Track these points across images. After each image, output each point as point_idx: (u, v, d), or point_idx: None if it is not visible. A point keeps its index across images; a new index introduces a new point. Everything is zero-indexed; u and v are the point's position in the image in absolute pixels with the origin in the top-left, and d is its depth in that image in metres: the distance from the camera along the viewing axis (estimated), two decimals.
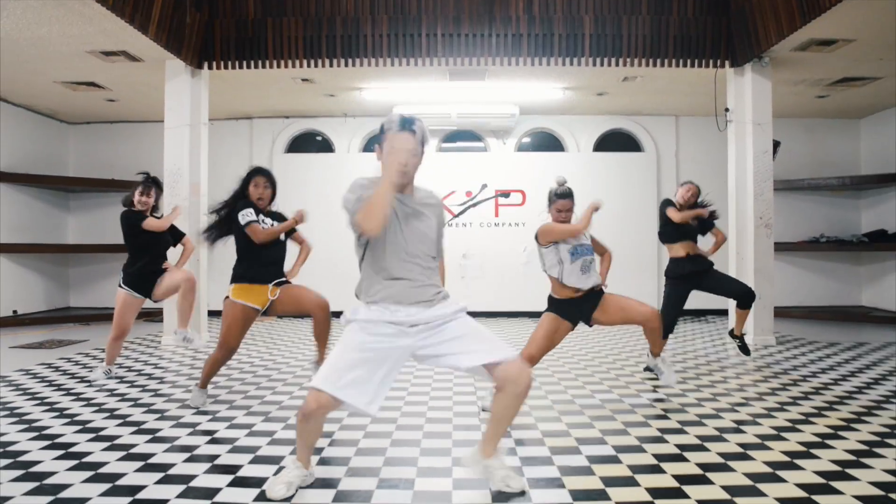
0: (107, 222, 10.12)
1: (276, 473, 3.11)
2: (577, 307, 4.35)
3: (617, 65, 7.29)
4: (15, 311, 8.92)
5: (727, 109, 7.47)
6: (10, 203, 8.91)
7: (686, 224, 5.63)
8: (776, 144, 7.42)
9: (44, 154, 9.64)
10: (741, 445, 3.56)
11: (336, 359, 2.77)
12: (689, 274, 5.65)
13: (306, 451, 2.99)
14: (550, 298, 4.43)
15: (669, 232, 5.73)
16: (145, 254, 5.24)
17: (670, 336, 6.10)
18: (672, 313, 5.72)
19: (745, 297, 5.70)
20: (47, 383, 5.19)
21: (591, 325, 4.46)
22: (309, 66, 7.26)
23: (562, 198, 4.35)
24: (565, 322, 4.37)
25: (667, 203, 5.73)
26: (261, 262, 4.43)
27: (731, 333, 6.07)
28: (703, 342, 7.36)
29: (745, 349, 6.00)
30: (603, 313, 4.40)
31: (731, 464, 3.26)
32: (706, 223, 5.75)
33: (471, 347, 2.83)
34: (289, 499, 2.86)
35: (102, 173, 9.98)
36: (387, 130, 2.82)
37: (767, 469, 3.18)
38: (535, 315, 9.34)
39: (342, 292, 10.25)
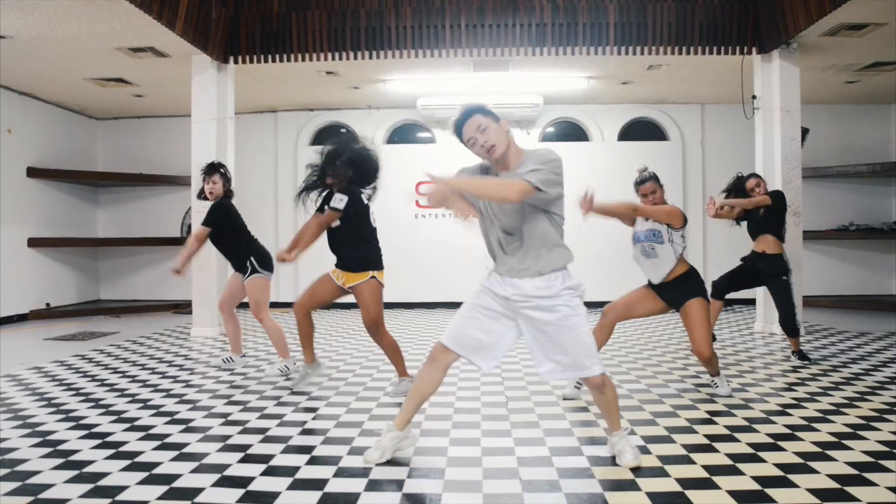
0: (135, 216, 10.30)
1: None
2: (660, 292, 4.36)
3: (642, 53, 7.24)
4: (48, 304, 9.10)
5: (754, 97, 7.39)
6: (41, 198, 9.07)
7: (755, 216, 5.66)
8: (804, 132, 7.32)
9: (74, 149, 9.79)
10: (771, 436, 3.54)
11: (458, 316, 3.14)
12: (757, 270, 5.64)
13: (408, 414, 3.21)
14: None
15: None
16: (248, 233, 5.31)
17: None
18: (725, 279, 5.76)
19: (786, 330, 5.55)
20: (83, 374, 5.30)
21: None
22: (333, 59, 7.30)
23: (640, 184, 4.37)
24: (653, 293, 4.37)
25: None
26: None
27: (793, 353, 5.64)
28: (730, 332, 7.31)
29: (802, 356, 5.55)
30: (682, 315, 4.32)
31: (762, 454, 3.25)
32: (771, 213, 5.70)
33: (551, 356, 3.04)
34: (323, 485, 2.90)
35: (130, 168, 10.13)
36: (459, 136, 2.99)
37: (798, 459, 3.17)
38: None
39: None
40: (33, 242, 8.87)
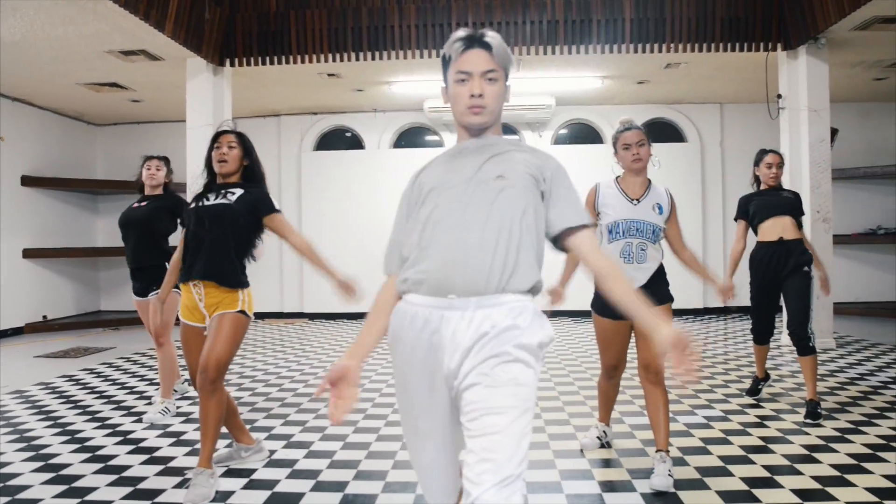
0: None
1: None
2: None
3: (660, 51, 6.84)
4: (45, 317, 8.81)
5: (779, 96, 6.98)
6: (37, 207, 8.79)
7: (775, 195, 4.52)
8: (834, 132, 6.91)
9: (71, 157, 9.51)
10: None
11: None
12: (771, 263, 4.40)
13: None
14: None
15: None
16: None
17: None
18: (761, 322, 4.59)
19: (794, 339, 4.30)
20: (64, 399, 4.97)
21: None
22: (334, 60, 6.96)
23: (627, 130, 3.32)
24: (615, 323, 3.27)
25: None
26: None
27: (806, 402, 4.25)
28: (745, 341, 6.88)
29: (814, 414, 4.10)
30: None
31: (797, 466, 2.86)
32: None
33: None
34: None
35: (130, 175, 9.65)
36: (449, 56, 1.85)
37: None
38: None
39: (376, 290, 10.02)
40: (29, 253, 8.58)
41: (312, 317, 9.62)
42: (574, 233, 1.77)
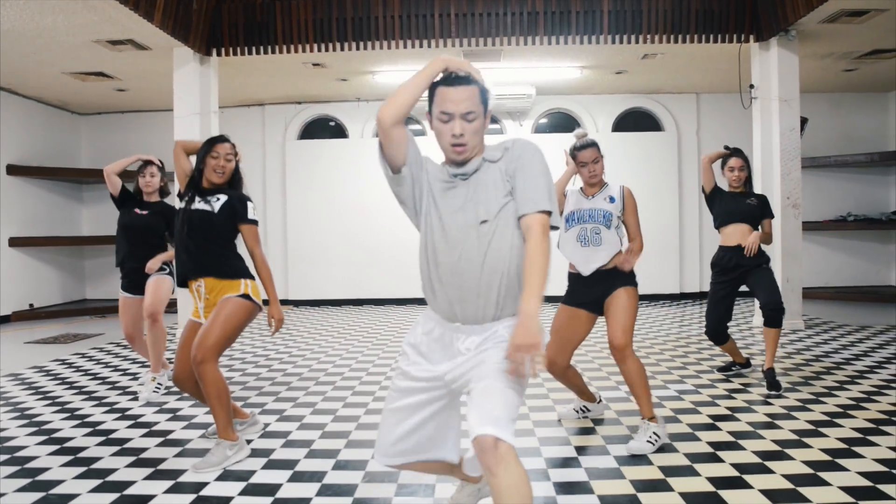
0: None
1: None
2: (583, 290, 3.58)
3: (636, 42, 7.04)
4: (31, 305, 8.88)
5: (752, 86, 7.22)
6: (22, 197, 8.85)
7: (738, 202, 4.69)
8: (803, 121, 7.16)
9: (56, 146, 9.55)
10: (777, 442, 3.38)
11: None
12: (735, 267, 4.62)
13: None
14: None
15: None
16: None
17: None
18: (714, 319, 4.73)
19: (769, 312, 4.45)
20: (60, 381, 5.11)
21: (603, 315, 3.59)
22: (319, 50, 7.09)
23: (579, 150, 3.56)
24: (574, 310, 3.59)
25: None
26: None
27: (764, 371, 4.53)
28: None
29: (772, 384, 4.37)
30: (607, 307, 3.51)
31: (768, 464, 3.09)
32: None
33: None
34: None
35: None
36: (433, 94, 2.06)
37: (808, 469, 3.01)
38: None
39: (360, 278, 10.12)
40: (14, 242, 8.64)
41: (297, 304, 9.76)
42: (525, 217, 1.99)
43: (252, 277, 3.44)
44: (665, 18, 6.96)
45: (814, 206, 9.51)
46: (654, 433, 3.30)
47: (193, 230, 3.35)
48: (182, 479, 3.06)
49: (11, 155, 8.62)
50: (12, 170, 8.59)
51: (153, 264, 4.55)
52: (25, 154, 8.86)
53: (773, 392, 4.32)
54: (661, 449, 3.29)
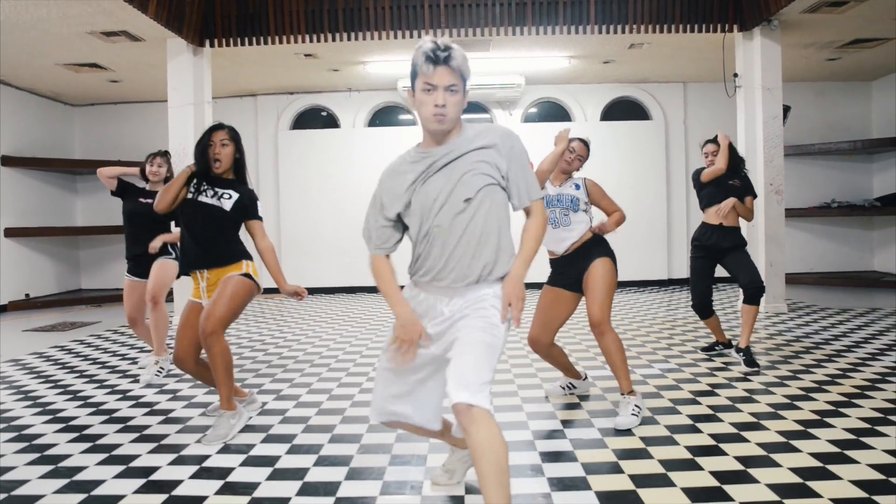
0: (115, 204, 10.09)
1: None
2: (564, 271, 3.78)
3: (623, 32, 7.17)
4: (27, 295, 8.97)
5: (736, 75, 7.37)
6: (17, 187, 8.92)
7: (721, 184, 4.91)
8: (786, 109, 7.31)
9: (50, 137, 9.62)
10: (753, 415, 3.55)
11: None
12: (713, 245, 4.88)
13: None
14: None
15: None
16: None
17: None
18: (699, 292, 4.97)
19: (751, 290, 4.69)
20: (61, 365, 5.23)
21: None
22: (311, 41, 7.18)
23: (581, 142, 3.85)
24: (557, 290, 3.80)
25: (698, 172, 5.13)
26: None
27: (737, 349, 4.78)
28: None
29: (751, 362, 4.61)
30: (585, 282, 3.68)
31: (744, 433, 3.25)
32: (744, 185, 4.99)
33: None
34: (303, 474, 2.87)
35: (109, 155, 9.95)
36: (417, 68, 2.17)
37: (781, 438, 3.17)
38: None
39: (353, 266, 10.22)
40: (10, 232, 8.72)
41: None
42: (528, 207, 2.31)
43: (251, 258, 3.59)
44: (650, 9, 7.09)
45: (798, 193, 9.69)
46: (636, 405, 3.46)
47: (203, 225, 3.49)
48: (185, 452, 3.20)
49: (6, 146, 8.68)
50: (7, 161, 8.65)
51: (156, 243, 4.75)
52: (20, 145, 8.93)
53: (751, 370, 4.51)
54: (643, 421, 3.45)
